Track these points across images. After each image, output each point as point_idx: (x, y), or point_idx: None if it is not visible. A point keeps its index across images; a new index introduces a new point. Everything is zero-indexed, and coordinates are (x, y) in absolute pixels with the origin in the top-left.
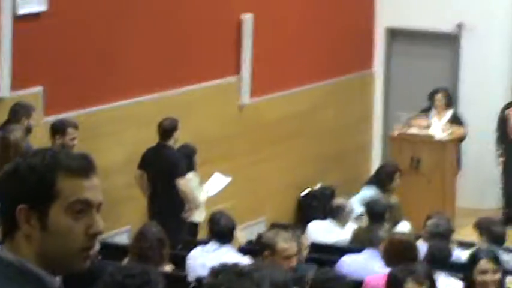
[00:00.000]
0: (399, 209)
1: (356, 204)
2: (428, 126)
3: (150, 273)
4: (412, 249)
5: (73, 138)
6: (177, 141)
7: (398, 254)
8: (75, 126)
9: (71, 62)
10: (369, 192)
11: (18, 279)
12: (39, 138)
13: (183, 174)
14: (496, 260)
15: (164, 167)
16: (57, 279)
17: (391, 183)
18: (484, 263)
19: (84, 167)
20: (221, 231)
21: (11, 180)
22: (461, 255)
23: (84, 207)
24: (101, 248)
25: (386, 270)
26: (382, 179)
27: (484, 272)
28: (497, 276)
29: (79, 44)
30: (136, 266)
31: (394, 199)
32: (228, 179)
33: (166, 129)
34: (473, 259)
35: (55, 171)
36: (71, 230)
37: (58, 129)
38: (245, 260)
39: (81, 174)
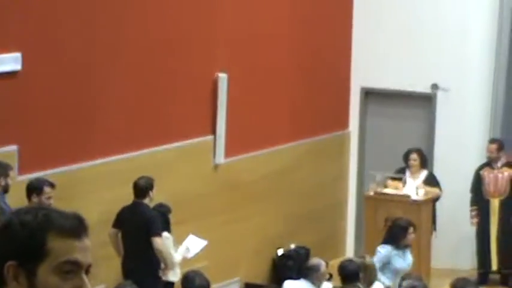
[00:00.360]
0: (373, 269)
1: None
2: (402, 187)
3: None
4: None
5: (49, 197)
6: (152, 199)
7: None
8: (52, 185)
9: (46, 121)
10: (383, 250)
11: None
12: (13, 197)
13: (159, 232)
14: None
15: (140, 225)
16: None
17: (405, 238)
18: None
19: (77, 227)
20: None
21: (2, 236)
22: None
23: (73, 268)
24: None
25: None
26: (396, 235)
27: None
28: None
29: (54, 103)
30: None
31: (368, 259)
32: (204, 242)
33: (142, 188)
34: None
35: (47, 231)
36: None
37: (35, 188)
38: None
39: (73, 234)
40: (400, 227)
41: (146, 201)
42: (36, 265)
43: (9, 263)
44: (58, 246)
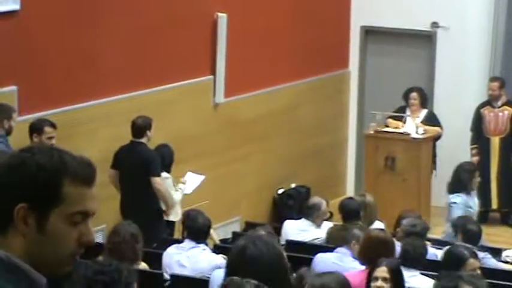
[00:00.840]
0: (374, 207)
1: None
2: (402, 126)
3: (122, 269)
4: (389, 246)
5: (50, 137)
6: (150, 139)
7: (375, 251)
8: (53, 125)
9: (46, 62)
10: (459, 199)
11: (4, 274)
12: (13, 137)
13: (158, 172)
14: (477, 257)
15: (138, 164)
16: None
17: (472, 181)
18: (472, 262)
19: (90, 175)
20: (197, 229)
21: (15, 174)
22: (436, 253)
23: (83, 218)
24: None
25: (359, 267)
26: (465, 180)
27: (473, 270)
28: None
29: (54, 43)
30: (109, 263)
31: (369, 198)
32: (201, 177)
33: (140, 127)
34: (459, 259)
35: (63, 174)
36: (67, 236)
37: (36, 128)
38: (219, 259)
39: (86, 182)
40: (467, 171)
41: (144, 140)
42: (50, 209)
43: (21, 205)
44: (72, 193)
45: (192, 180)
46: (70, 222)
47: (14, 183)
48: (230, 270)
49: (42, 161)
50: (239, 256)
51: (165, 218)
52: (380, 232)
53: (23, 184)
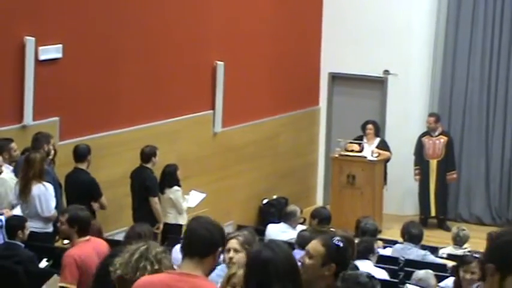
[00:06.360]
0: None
1: None
2: (361, 150)
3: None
4: (350, 243)
5: (15, 150)
6: (155, 164)
7: None
8: (13, 140)
9: (81, 98)
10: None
11: None
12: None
13: (155, 194)
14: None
15: (141, 186)
16: None
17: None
18: (474, 265)
19: None
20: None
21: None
22: (385, 251)
23: None
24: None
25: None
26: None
27: (474, 272)
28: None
29: (87, 84)
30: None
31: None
32: (203, 195)
33: (147, 154)
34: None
35: None
36: None
37: (2, 149)
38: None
39: None
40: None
41: (149, 165)
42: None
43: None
44: None
45: (196, 197)
46: None
47: (500, 254)
48: (248, 271)
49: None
50: (255, 259)
51: (175, 221)
52: (344, 233)
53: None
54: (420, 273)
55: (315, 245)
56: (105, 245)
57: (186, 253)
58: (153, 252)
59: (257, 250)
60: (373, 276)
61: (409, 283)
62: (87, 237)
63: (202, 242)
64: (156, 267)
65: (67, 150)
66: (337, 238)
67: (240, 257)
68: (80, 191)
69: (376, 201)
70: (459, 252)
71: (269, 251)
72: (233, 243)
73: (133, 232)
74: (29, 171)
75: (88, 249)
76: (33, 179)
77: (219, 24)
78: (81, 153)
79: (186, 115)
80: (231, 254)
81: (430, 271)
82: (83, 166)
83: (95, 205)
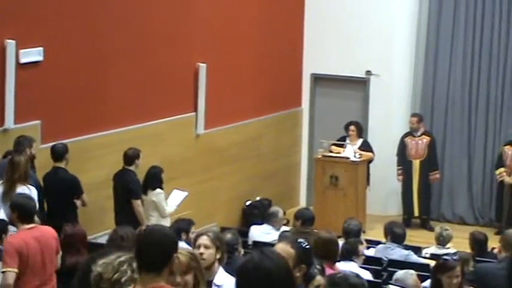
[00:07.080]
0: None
1: None
2: (343, 151)
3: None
4: (334, 244)
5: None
6: (138, 166)
7: (325, 247)
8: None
9: (63, 101)
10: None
11: None
12: (38, 162)
13: (137, 196)
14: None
15: (124, 188)
16: None
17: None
18: (458, 269)
19: None
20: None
21: None
22: (369, 251)
23: None
24: (90, 247)
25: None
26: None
27: (458, 276)
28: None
29: (69, 86)
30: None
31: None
32: (185, 193)
33: (130, 157)
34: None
35: None
36: None
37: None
38: None
39: None
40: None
41: (132, 168)
42: None
43: None
44: None
45: (177, 196)
46: None
47: None
48: (247, 282)
49: None
50: (256, 270)
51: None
52: (327, 234)
53: None
54: (399, 274)
55: (284, 248)
56: (51, 233)
57: (142, 269)
58: None
59: (257, 260)
60: (358, 275)
61: (391, 283)
62: (31, 225)
63: (155, 258)
64: (136, 276)
65: (49, 154)
66: (301, 240)
67: (210, 253)
68: (60, 189)
69: (359, 202)
70: (442, 252)
71: (269, 260)
72: (204, 240)
73: (116, 235)
74: (14, 174)
75: (26, 236)
76: (18, 181)
77: (202, 26)
78: (58, 152)
79: (169, 117)
80: (202, 250)
81: (411, 271)
82: (62, 165)
83: (78, 202)
